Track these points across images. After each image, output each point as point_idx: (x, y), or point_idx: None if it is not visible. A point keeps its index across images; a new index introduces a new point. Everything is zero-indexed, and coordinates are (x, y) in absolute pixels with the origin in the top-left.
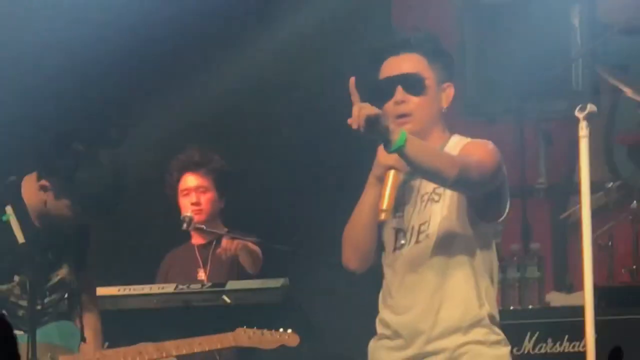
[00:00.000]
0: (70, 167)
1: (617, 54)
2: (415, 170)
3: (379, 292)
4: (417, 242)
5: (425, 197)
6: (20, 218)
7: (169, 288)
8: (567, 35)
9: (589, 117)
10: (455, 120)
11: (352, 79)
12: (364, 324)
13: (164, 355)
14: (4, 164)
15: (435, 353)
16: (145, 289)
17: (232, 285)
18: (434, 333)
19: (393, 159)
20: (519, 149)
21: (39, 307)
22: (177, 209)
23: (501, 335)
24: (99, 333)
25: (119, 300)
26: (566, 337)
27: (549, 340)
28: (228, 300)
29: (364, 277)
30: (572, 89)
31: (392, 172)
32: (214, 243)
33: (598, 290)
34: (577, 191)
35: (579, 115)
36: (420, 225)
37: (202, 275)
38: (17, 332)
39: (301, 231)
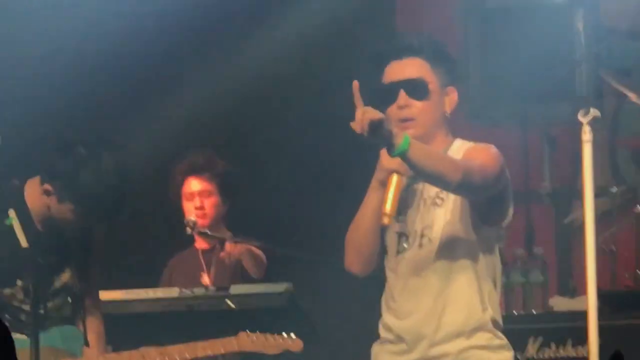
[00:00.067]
0: (73, 171)
1: (621, 58)
2: (419, 174)
3: (382, 296)
4: (420, 246)
5: (428, 201)
6: (23, 222)
7: (173, 292)
8: (570, 39)
9: (593, 122)
10: (459, 124)
11: (356, 83)
12: (367, 328)
13: (167, 359)
14: (7, 168)
15: (438, 357)
16: (149, 293)
17: (235, 289)
18: (437, 337)
19: (396, 163)
20: (522, 154)
21: (41, 311)
22: (181, 213)
23: (504, 340)
24: (102, 337)
25: (122, 304)
26: (570, 341)
27: (553, 345)
28: (232, 305)
29: (367, 281)
30: (575, 94)
31: (395, 176)
32: (217, 247)
33: (601, 295)
34: (580, 196)
35: (583, 119)
36: (423, 229)
37: (205, 279)
38: (20, 336)
39: (305, 235)
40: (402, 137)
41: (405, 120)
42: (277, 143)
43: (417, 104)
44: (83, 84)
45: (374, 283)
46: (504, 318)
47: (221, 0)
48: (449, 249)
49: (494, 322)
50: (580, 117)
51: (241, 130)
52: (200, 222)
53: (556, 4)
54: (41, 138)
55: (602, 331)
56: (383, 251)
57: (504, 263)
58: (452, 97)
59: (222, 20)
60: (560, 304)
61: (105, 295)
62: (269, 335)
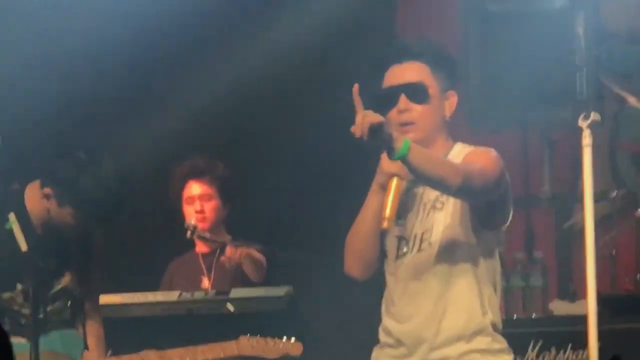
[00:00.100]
0: (73, 175)
1: (621, 63)
2: (419, 178)
3: (381, 300)
4: (419, 250)
5: (428, 205)
6: (23, 226)
7: (173, 296)
8: (571, 43)
9: (593, 126)
10: (459, 128)
11: (356, 87)
12: (367, 332)
13: None
14: (8, 172)
15: None
16: (149, 296)
17: (235, 293)
18: (436, 341)
19: (396, 166)
20: (523, 158)
21: (41, 315)
22: (181, 217)
23: (504, 344)
24: (102, 341)
25: (122, 308)
26: (570, 345)
27: (553, 349)
28: (232, 308)
29: (367, 285)
30: (575, 98)
31: (395, 180)
32: (217, 251)
33: (601, 299)
34: (581, 200)
35: (583, 124)
36: (423, 233)
37: (206, 283)
38: (19, 340)
39: (305, 239)
40: (402, 141)
41: (405, 124)
42: (277, 146)
43: (417, 108)
44: (82, 88)
45: (374, 287)
46: (504, 322)
47: (220, 5)
48: (449, 252)
49: (494, 326)
50: (580, 121)
51: (241, 134)
52: (200, 226)
53: (556, 8)
54: (41, 142)
55: (602, 335)
56: (383, 255)
57: (504, 267)
58: (452, 101)
59: (222, 24)
60: (560, 308)
61: (105, 298)
62: (269, 339)
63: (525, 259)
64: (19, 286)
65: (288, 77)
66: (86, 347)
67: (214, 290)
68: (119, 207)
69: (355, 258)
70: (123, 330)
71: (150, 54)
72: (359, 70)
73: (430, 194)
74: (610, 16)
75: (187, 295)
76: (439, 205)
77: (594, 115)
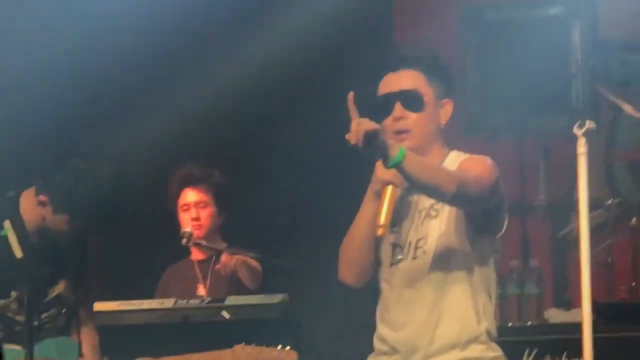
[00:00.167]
0: (68, 182)
1: (617, 71)
2: (414, 185)
3: (376, 308)
4: (414, 257)
5: (423, 213)
6: (18, 233)
7: (168, 303)
8: (567, 52)
9: (588, 134)
10: (455, 136)
11: (351, 95)
12: (362, 340)
13: None
14: (3, 179)
15: None
16: (144, 304)
17: (231, 300)
18: (431, 349)
19: (391, 174)
20: (518, 166)
21: (36, 323)
22: (176, 224)
23: (499, 352)
24: (97, 348)
25: (117, 315)
26: (565, 353)
27: (548, 357)
28: (227, 316)
29: (363, 292)
30: (571, 106)
31: (390, 188)
32: (213, 258)
33: (597, 307)
34: (576, 208)
35: (578, 132)
36: (418, 240)
37: (201, 290)
38: (14, 347)
39: (300, 246)
40: (397, 148)
41: (400, 132)
42: (272, 154)
43: (413, 116)
44: (78, 96)
45: (369, 294)
46: (499, 330)
47: (217, 9)
48: (444, 260)
49: (489, 334)
50: (575, 129)
51: (236, 142)
52: (196, 233)
53: (553, 17)
54: (37, 149)
55: (597, 343)
56: (377, 262)
57: (498, 274)
58: (447, 109)
59: (219, 29)
60: (555, 315)
61: (100, 306)
62: (264, 348)
63: (521, 266)
64: (14, 293)
65: (284, 85)
66: (81, 355)
67: (210, 298)
68: (114, 215)
69: (349, 265)
70: (118, 337)
71: (145, 62)
72: (354, 78)
73: (425, 202)
74: (607, 25)
75: (182, 303)
76: (433, 213)
77: (590, 124)
